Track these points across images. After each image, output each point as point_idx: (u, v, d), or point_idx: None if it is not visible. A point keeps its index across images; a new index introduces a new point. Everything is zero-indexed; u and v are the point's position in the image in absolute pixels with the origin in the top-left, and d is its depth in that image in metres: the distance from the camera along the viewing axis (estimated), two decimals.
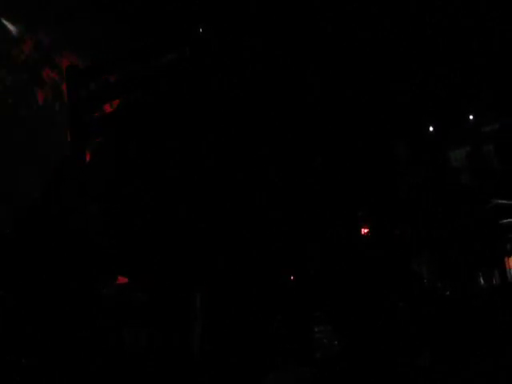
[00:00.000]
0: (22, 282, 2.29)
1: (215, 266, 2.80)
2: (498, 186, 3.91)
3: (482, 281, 3.48)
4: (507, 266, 3.46)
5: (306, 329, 2.93)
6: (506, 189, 3.80)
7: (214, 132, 2.79)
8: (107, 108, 2.23)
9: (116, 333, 2.35)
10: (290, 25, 3.77)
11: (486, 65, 4.10)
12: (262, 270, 2.99)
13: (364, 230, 3.75)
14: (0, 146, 3.02)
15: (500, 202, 3.61)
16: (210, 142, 2.73)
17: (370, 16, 3.95)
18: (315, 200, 3.54)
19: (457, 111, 4.51)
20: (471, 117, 4.49)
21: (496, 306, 3.01)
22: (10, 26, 3.12)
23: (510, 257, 3.50)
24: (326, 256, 3.32)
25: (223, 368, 2.44)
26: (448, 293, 3.41)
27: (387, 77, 4.20)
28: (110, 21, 3.80)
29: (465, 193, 3.99)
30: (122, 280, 2.47)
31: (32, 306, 2.29)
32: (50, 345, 2.20)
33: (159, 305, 2.51)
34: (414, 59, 4.18)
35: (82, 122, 1.80)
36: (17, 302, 2.26)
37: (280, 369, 2.50)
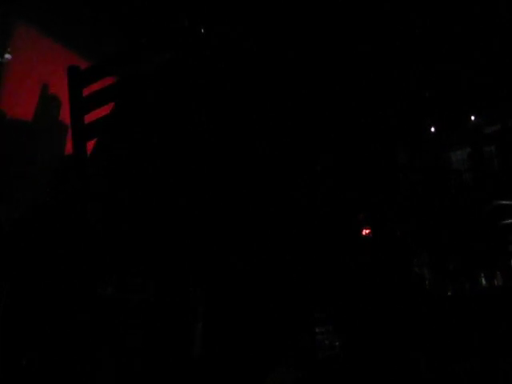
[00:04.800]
0: (21, 280, 2.29)
1: (216, 266, 2.80)
2: (499, 187, 3.92)
3: (483, 281, 3.49)
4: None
5: (307, 329, 2.93)
6: (507, 189, 3.81)
7: (214, 130, 2.79)
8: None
9: (115, 333, 2.35)
10: (290, 23, 3.77)
11: (487, 65, 4.10)
12: (263, 270, 2.99)
13: (365, 231, 3.75)
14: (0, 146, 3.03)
15: (501, 202, 3.62)
16: (211, 140, 2.73)
17: (370, 16, 3.95)
18: (316, 201, 3.54)
19: (458, 112, 4.52)
20: (472, 118, 4.50)
21: (497, 307, 3.01)
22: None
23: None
24: (328, 256, 3.32)
25: (223, 369, 2.44)
26: (449, 294, 3.42)
27: (387, 77, 4.20)
28: (111, 20, 3.80)
29: (466, 193, 4.00)
30: None
31: (31, 304, 2.29)
32: (50, 345, 2.20)
33: (160, 304, 2.51)
34: (416, 59, 4.18)
35: (84, 121, 1.81)
36: (16, 301, 2.26)
37: (280, 370, 2.50)
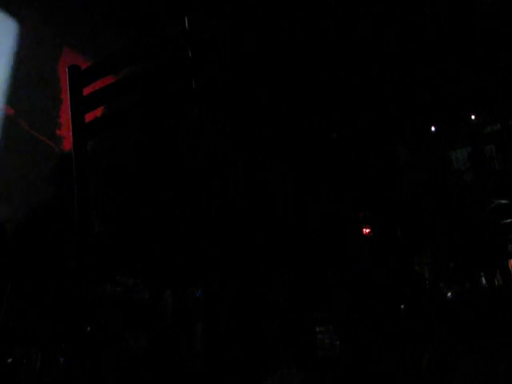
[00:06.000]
0: (22, 279, 2.29)
1: (216, 266, 2.79)
2: (500, 187, 3.92)
3: (483, 281, 3.49)
4: (510, 267, 3.47)
5: (307, 329, 2.93)
6: (508, 189, 3.80)
7: (214, 130, 2.79)
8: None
9: (116, 333, 2.35)
10: (290, 23, 3.76)
11: (487, 65, 4.10)
12: (263, 269, 2.98)
13: (366, 230, 3.75)
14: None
15: (502, 202, 3.61)
16: (211, 140, 2.73)
17: (371, 16, 3.95)
18: (317, 200, 3.54)
19: (458, 112, 4.51)
20: (473, 117, 4.49)
21: (498, 307, 3.01)
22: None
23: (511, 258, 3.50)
24: (328, 255, 3.32)
25: (223, 369, 2.44)
26: (450, 294, 3.41)
27: (388, 77, 4.20)
28: (111, 19, 3.80)
29: (466, 193, 3.99)
30: None
31: (32, 304, 2.29)
32: (50, 344, 2.20)
33: (160, 304, 2.51)
34: (416, 59, 4.18)
35: (84, 121, 1.80)
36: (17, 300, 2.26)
37: (281, 370, 2.50)
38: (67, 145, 3.34)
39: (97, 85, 1.84)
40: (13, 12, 3.19)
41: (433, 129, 4.51)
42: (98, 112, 2.04)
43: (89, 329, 2.09)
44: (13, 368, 2.15)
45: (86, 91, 1.86)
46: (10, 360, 2.17)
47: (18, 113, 3.15)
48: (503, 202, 3.64)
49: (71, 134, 1.76)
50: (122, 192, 2.67)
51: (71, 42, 3.50)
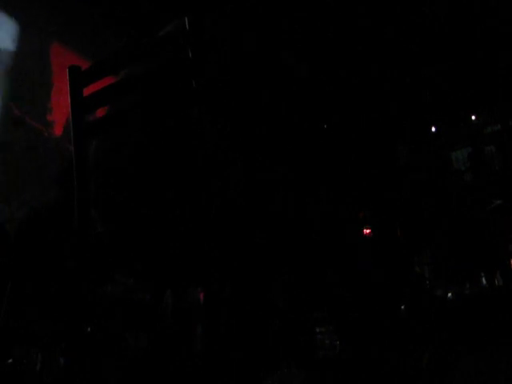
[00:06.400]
0: (23, 279, 2.30)
1: (216, 266, 2.79)
2: (500, 187, 3.92)
3: (484, 281, 3.49)
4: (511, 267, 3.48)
5: (307, 329, 2.93)
6: (508, 189, 3.81)
7: (214, 130, 2.78)
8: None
9: (116, 333, 2.35)
10: (290, 23, 3.76)
11: (487, 65, 4.10)
12: (263, 269, 2.98)
13: (366, 231, 3.75)
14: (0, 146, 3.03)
15: (502, 202, 3.62)
16: (210, 141, 2.73)
17: (371, 15, 3.95)
18: (318, 200, 3.54)
19: (458, 111, 4.52)
20: (473, 117, 4.50)
21: (498, 307, 3.01)
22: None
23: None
24: (328, 255, 3.32)
25: (223, 369, 2.44)
26: (450, 294, 3.42)
27: (387, 76, 4.20)
28: (111, 19, 3.80)
29: (466, 193, 4.00)
30: None
31: (33, 303, 2.29)
32: (50, 343, 2.21)
33: (160, 304, 2.51)
34: (416, 59, 4.18)
35: (85, 122, 1.81)
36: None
37: (281, 370, 2.50)
38: (58, 130, 3.34)
39: (97, 85, 1.84)
40: (11, 11, 3.19)
41: (433, 129, 4.52)
42: (99, 112, 2.05)
43: (89, 329, 2.09)
44: (13, 368, 2.15)
45: (86, 92, 1.87)
46: (10, 360, 2.17)
47: (7, 98, 3.14)
48: (503, 202, 3.64)
49: (72, 134, 1.77)
50: (122, 192, 2.67)
51: (71, 41, 3.50)
